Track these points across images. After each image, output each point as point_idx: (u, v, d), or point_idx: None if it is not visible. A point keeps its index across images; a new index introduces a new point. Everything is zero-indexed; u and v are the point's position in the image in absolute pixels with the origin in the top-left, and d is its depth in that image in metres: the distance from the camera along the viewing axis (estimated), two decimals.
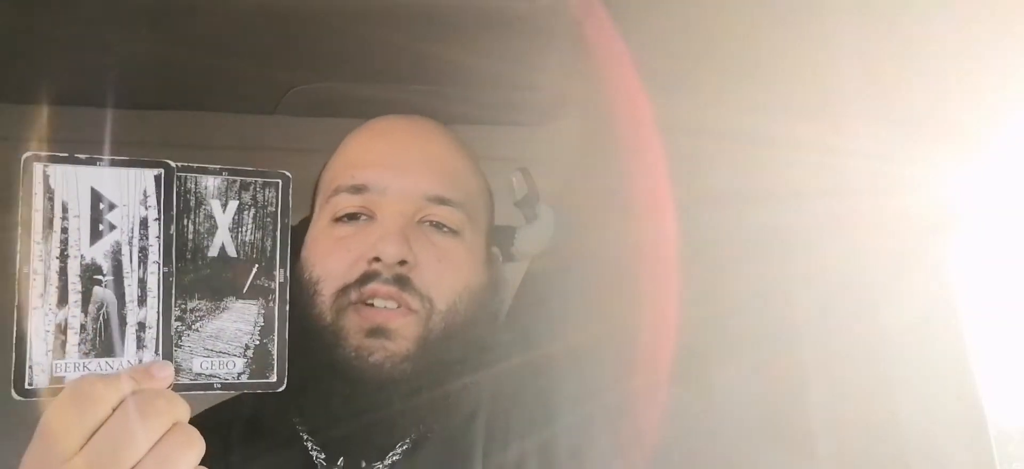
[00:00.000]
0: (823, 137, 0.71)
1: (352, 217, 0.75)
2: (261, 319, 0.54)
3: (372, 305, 0.71)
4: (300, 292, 0.73)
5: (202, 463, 0.52)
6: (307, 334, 0.70)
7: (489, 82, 1.11)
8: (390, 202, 0.74)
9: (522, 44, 1.04)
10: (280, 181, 0.55)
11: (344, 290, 0.72)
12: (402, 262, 0.71)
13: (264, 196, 0.55)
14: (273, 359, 0.54)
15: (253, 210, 0.54)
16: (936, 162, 0.63)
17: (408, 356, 0.71)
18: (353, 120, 0.83)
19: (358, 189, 0.75)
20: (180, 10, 0.95)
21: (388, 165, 0.76)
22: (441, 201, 0.75)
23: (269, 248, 0.55)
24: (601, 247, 1.14)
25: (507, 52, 1.04)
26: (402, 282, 0.71)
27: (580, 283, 1.19)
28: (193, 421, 0.53)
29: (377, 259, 0.71)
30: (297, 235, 0.82)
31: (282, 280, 0.55)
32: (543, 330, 1.16)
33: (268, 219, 0.55)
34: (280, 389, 0.55)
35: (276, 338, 0.55)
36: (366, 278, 0.71)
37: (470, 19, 0.98)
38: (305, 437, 0.75)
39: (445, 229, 0.75)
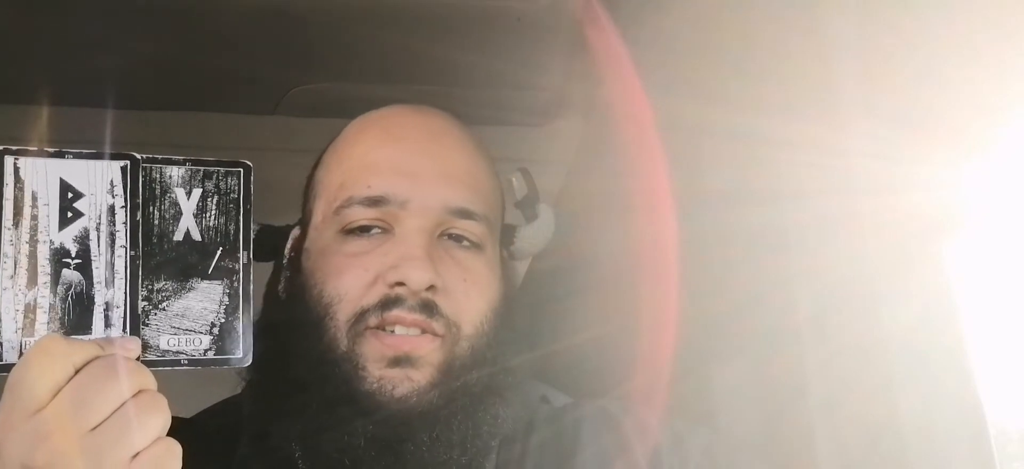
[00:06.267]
0: (823, 137, 0.71)
1: (364, 229, 0.70)
2: (226, 298, 0.57)
3: (393, 331, 0.67)
4: (307, 312, 0.69)
5: (193, 465, 0.52)
6: (321, 363, 0.67)
7: (489, 82, 1.11)
8: (410, 216, 0.69)
9: (522, 44, 1.04)
10: (241, 170, 0.58)
11: (362, 315, 0.67)
12: (429, 287, 0.67)
13: (227, 184, 0.58)
14: (239, 336, 0.57)
15: (216, 197, 0.57)
16: (936, 162, 0.63)
17: (434, 385, 0.67)
18: (353, 120, 0.82)
19: (375, 202, 0.69)
20: (180, 10, 0.95)
21: (407, 173, 0.70)
22: (465, 214, 0.70)
23: (232, 232, 0.57)
24: (601, 247, 1.14)
25: (507, 52, 1.04)
26: (429, 308, 0.67)
27: (580, 283, 1.19)
28: (187, 424, 0.53)
29: (401, 283, 0.67)
30: (285, 239, 0.79)
31: (245, 261, 0.58)
32: (543, 330, 1.16)
33: (231, 205, 0.58)
34: (246, 364, 0.57)
35: (241, 316, 0.57)
36: (388, 303, 0.67)
37: (470, 19, 0.98)
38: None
39: (467, 243, 0.71)
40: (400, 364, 0.66)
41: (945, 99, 0.62)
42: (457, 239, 0.71)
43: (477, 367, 0.69)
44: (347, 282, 0.68)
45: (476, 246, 0.72)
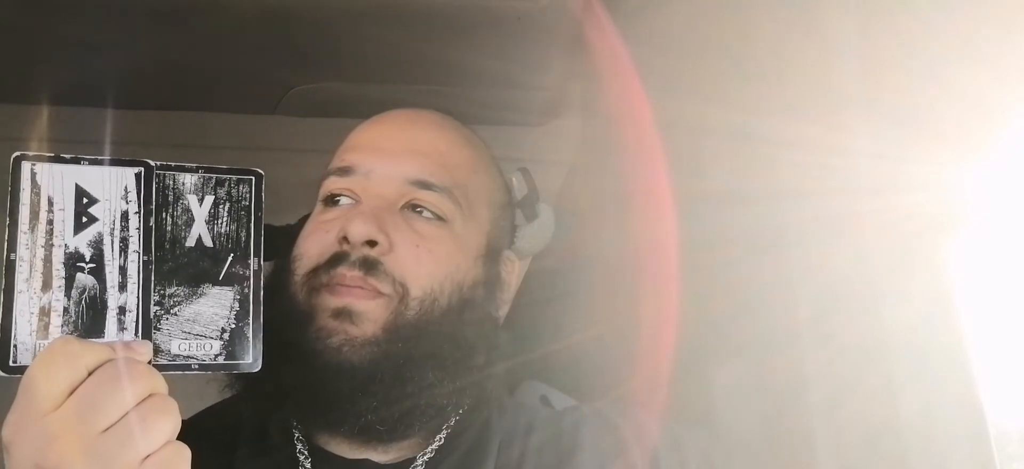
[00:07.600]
0: (823, 137, 0.71)
1: (338, 200, 0.74)
2: (237, 304, 0.58)
3: (341, 285, 0.69)
4: (281, 274, 0.73)
5: (195, 464, 0.53)
6: (280, 316, 0.69)
7: (489, 82, 1.11)
8: (373, 185, 0.73)
9: (522, 44, 1.04)
10: (253, 178, 0.60)
11: (315, 271, 0.70)
12: (371, 244, 0.69)
13: (238, 191, 0.59)
14: (249, 342, 0.58)
15: (228, 204, 0.59)
16: (936, 162, 0.63)
17: (372, 341, 0.68)
18: (353, 120, 0.82)
19: (344, 171, 0.74)
20: (180, 10, 0.95)
21: (375, 149, 0.75)
22: (424, 185, 0.73)
23: (243, 239, 0.59)
24: (601, 247, 1.14)
25: (507, 52, 1.04)
26: (369, 265, 0.69)
27: (580, 283, 1.19)
28: (188, 423, 0.54)
29: (346, 239, 0.70)
30: (283, 238, 0.81)
31: (256, 268, 0.59)
32: (543, 330, 1.17)
33: (242, 212, 0.59)
34: (256, 369, 0.58)
35: (251, 322, 0.58)
36: (334, 260, 0.70)
37: (470, 19, 0.98)
38: (297, 437, 0.73)
39: (429, 215, 0.73)
40: (340, 316, 0.68)
41: (946, 99, 0.63)
42: (419, 211, 0.74)
43: (425, 333, 0.69)
44: (310, 243, 0.73)
45: (440, 219, 0.74)
